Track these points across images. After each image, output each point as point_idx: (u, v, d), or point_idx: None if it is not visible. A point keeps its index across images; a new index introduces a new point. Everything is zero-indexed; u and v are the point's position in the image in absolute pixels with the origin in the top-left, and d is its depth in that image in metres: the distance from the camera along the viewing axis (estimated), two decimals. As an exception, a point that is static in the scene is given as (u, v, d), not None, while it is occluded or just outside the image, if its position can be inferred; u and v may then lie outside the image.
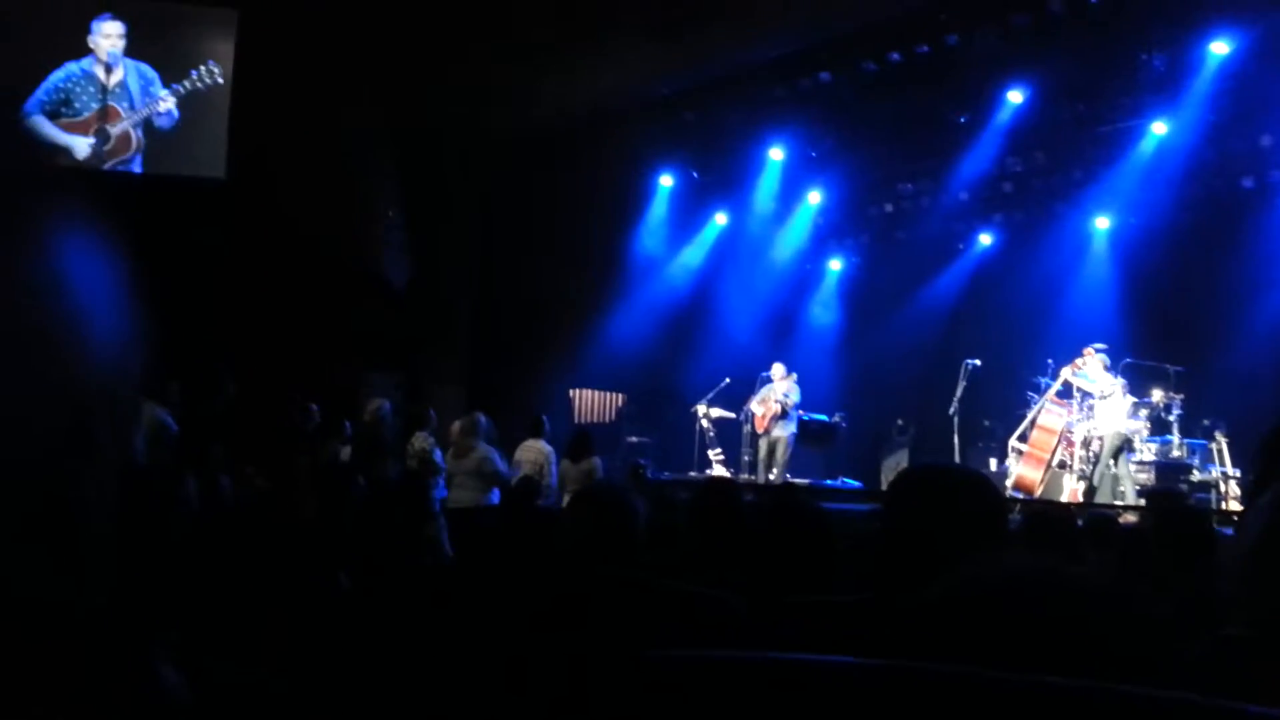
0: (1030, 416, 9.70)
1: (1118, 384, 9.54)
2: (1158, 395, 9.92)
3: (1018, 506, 7.63)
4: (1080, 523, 6.34)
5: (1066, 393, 10.17)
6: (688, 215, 14.09)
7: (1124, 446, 9.29)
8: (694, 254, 14.37)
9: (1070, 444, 9.98)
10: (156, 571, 2.39)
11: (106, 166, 10.83)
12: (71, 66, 10.84)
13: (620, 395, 13.81)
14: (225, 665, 0.77)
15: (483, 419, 7.97)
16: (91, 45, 10.89)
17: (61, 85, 10.79)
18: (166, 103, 11.02)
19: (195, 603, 2.04)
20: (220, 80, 11.00)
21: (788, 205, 14.03)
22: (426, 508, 4.96)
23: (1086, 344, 10.17)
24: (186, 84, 11.02)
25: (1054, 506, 8.08)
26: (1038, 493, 9.33)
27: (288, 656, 1.89)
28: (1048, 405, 9.48)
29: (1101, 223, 12.70)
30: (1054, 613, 0.86)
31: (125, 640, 0.56)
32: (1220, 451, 9.53)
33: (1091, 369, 9.56)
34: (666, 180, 13.65)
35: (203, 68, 10.99)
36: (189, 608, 2.00)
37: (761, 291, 14.56)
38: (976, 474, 1.87)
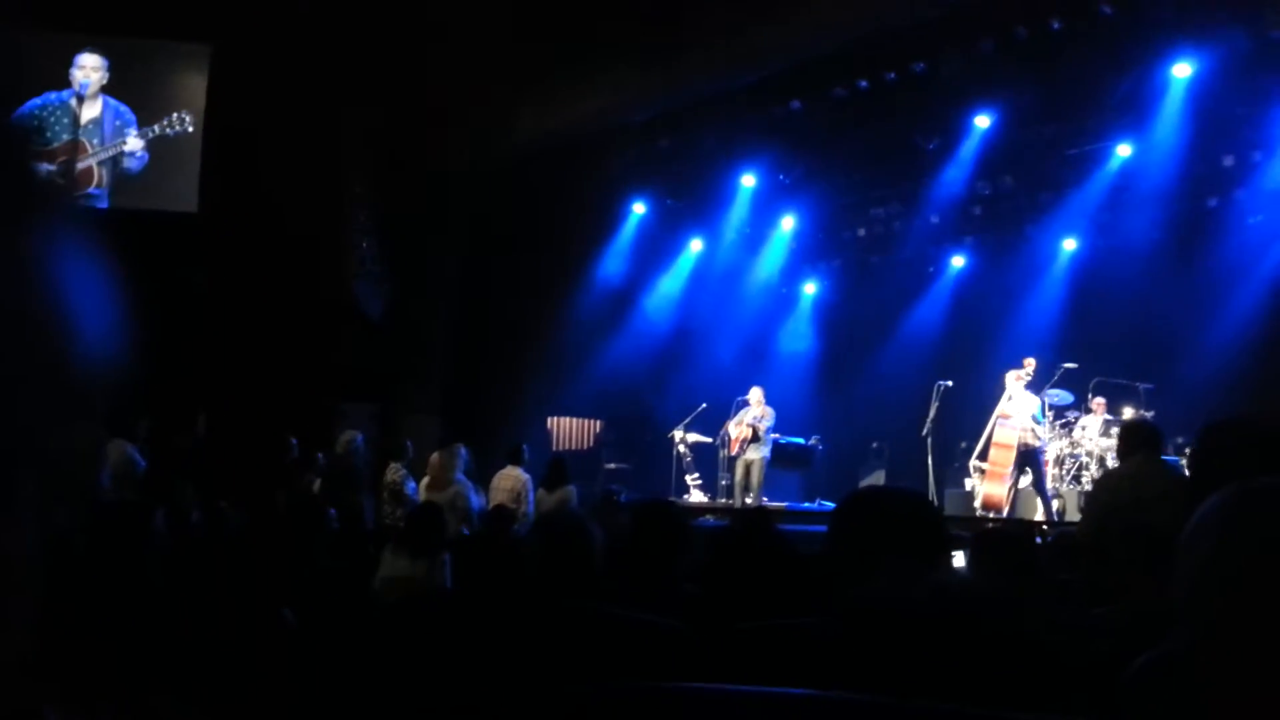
0: (986, 434, 9.74)
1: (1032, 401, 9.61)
2: (1129, 413, 10.01)
3: (988, 525, 7.66)
4: (1051, 540, 6.38)
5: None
6: (662, 242, 14.17)
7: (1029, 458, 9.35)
8: (669, 281, 14.45)
9: (1044, 462, 10.04)
10: (116, 605, 2.39)
11: (66, 199, 10.84)
12: (50, 96, 10.91)
13: (598, 422, 13.83)
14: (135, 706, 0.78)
15: (463, 451, 7.95)
16: (71, 79, 10.95)
17: (36, 113, 10.84)
18: (133, 144, 11.06)
19: (144, 637, 2.04)
20: (190, 129, 11.08)
21: (761, 231, 14.15)
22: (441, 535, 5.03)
23: (1058, 363, 10.27)
24: (156, 128, 11.08)
25: (1012, 525, 8.12)
26: (1005, 509, 9.35)
27: (220, 694, 1.91)
28: (999, 421, 9.50)
29: (1069, 244, 12.88)
30: (940, 629, 0.90)
31: (9, 685, 0.56)
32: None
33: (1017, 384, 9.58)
34: (639, 208, 13.71)
35: (174, 115, 11.07)
36: (137, 642, 2.00)
37: (737, 317, 14.64)
38: (917, 495, 1.92)
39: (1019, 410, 9.36)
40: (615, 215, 13.61)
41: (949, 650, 0.90)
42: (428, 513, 5.26)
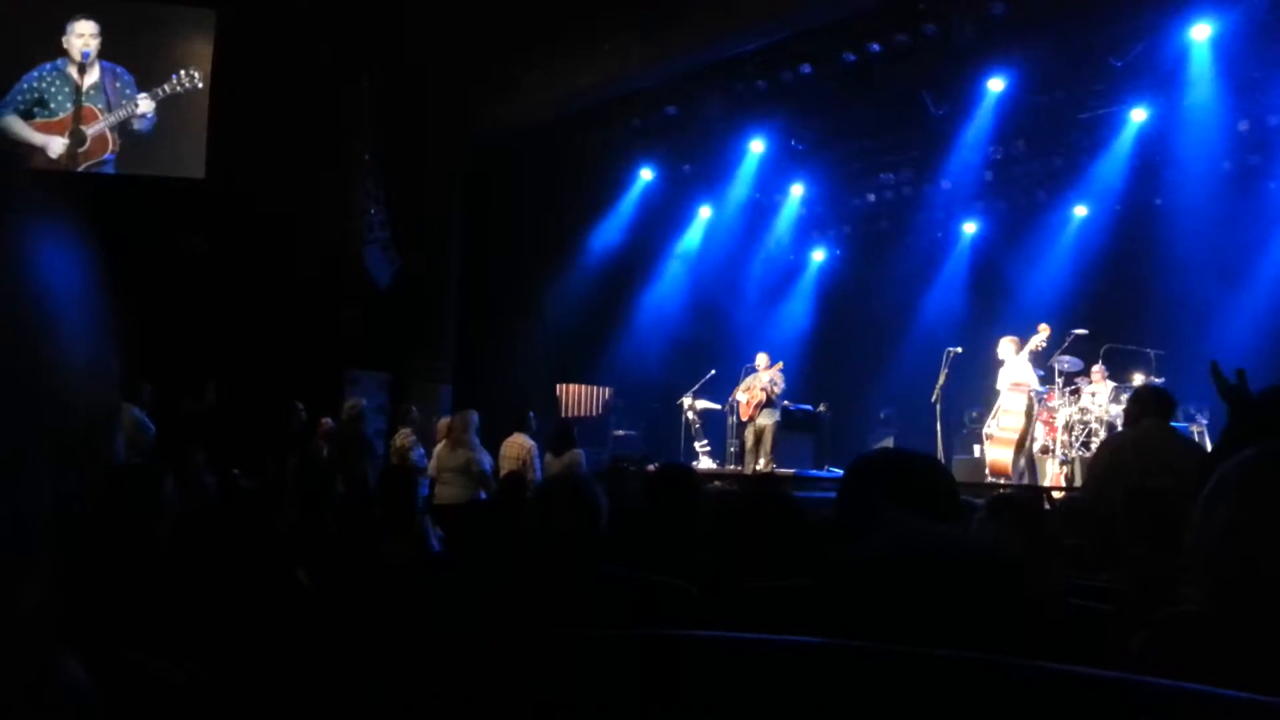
0: (999, 404, 9.72)
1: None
2: (1139, 380, 9.97)
3: (998, 491, 7.65)
4: (1060, 505, 6.38)
5: (1048, 377, 10.20)
6: (671, 209, 14.12)
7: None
8: (678, 247, 14.40)
9: (1053, 428, 10.01)
10: (128, 570, 2.40)
11: (81, 167, 10.81)
12: (45, 66, 10.83)
13: (607, 389, 13.83)
14: (145, 659, 0.78)
15: (475, 416, 7.97)
16: (65, 46, 10.87)
17: (34, 85, 10.78)
18: (144, 105, 11.02)
19: (156, 600, 2.05)
20: (200, 85, 11.01)
21: (770, 198, 14.07)
22: (410, 502, 4.98)
23: (1069, 329, 10.22)
24: (166, 88, 11.03)
25: (1021, 490, 8.11)
26: (1013, 475, 9.31)
27: (231, 652, 1.91)
28: (1006, 389, 9.48)
29: (1081, 210, 12.78)
30: (929, 578, 0.89)
31: (25, 636, 0.56)
32: (1201, 435, 9.57)
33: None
34: (647, 174, 13.63)
35: (183, 72, 11.01)
36: (149, 604, 2.01)
37: (745, 283, 14.61)
38: (928, 457, 1.90)
39: (1029, 377, 9.36)
40: (623, 182, 13.55)
41: (947, 601, 0.90)
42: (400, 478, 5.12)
